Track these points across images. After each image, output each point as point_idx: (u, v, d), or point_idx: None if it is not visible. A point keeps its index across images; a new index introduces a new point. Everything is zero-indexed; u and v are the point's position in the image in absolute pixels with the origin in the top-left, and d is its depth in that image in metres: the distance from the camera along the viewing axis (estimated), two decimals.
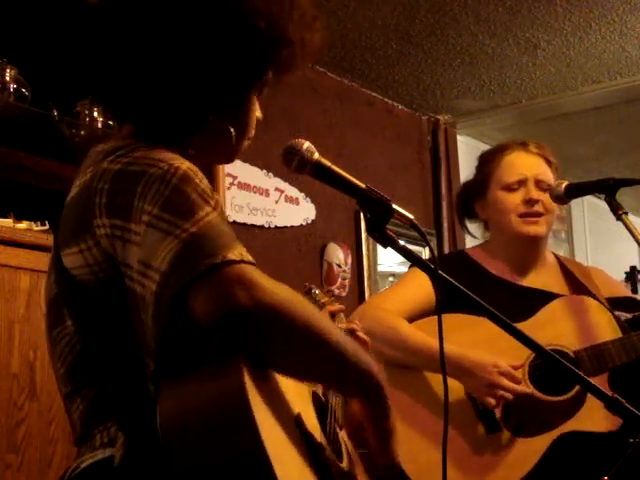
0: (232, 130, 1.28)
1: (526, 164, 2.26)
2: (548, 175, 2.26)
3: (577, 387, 2.01)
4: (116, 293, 1.13)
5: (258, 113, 1.33)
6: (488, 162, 2.33)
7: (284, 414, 1.09)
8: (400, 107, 4.94)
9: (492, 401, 2.01)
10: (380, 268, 4.53)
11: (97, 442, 1.13)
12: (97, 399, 1.15)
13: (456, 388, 2.05)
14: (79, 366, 1.17)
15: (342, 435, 1.29)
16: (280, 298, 1.04)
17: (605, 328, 2.11)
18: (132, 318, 1.12)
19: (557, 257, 2.39)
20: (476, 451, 2.04)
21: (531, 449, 2.01)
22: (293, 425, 1.11)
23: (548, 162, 2.29)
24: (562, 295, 2.21)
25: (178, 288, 1.01)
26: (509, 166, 2.26)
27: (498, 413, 2.05)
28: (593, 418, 1.98)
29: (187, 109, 1.23)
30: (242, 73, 1.24)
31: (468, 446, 2.05)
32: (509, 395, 2.00)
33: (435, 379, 2.10)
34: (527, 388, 2.03)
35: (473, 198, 2.35)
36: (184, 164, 1.12)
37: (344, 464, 1.23)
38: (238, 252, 1.05)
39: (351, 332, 1.58)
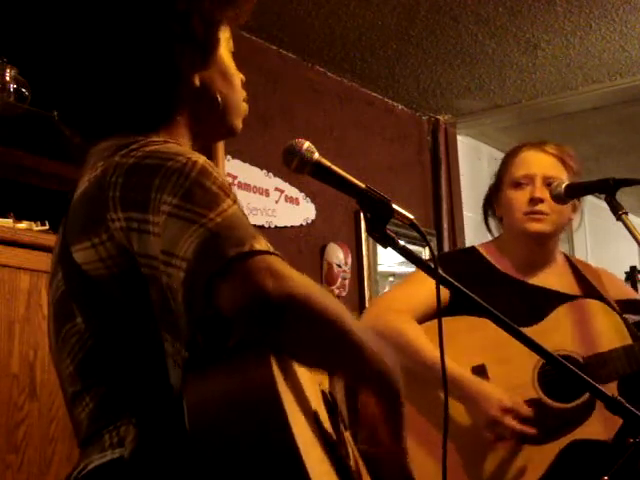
0: (218, 95, 1.30)
1: (537, 162, 2.23)
2: (561, 177, 2.20)
3: (587, 394, 1.97)
4: (131, 287, 1.11)
5: (237, 73, 1.34)
6: (505, 161, 2.32)
7: (305, 409, 1.09)
8: (400, 107, 4.94)
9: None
10: (380, 268, 4.53)
11: (106, 443, 1.11)
12: (108, 397, 1.14)
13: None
14: (90, 363, 1.15)
15: (347, 435, 1.29)
16: (308, 289, 1.03)
17: (611, 333, 2.08)
18: (151, 311, 1.10)
19: (568, 258, 2.36)
20: (482, 459, 2.00)
21: (539, 457, 1.97)
22: (313, 421, 1.11)
23: (565, 164, 2.25)
24: (572, 295, 2.18)
25: (208, 276, 0.99)
26: (520, 162, 2.25)
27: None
28: (603, 426, 1.93)
29: (159, 71, 1.24)
30: (199, 17, 1.26)
31: (474, 454, 2.01)
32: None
33: (437, 387, 2.05)
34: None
35: (492, 198, 2.34)
36: (201, 158, 1.12)
37: (351, 463, 1.23)
38: (264, 243, 1.04)
39: None
